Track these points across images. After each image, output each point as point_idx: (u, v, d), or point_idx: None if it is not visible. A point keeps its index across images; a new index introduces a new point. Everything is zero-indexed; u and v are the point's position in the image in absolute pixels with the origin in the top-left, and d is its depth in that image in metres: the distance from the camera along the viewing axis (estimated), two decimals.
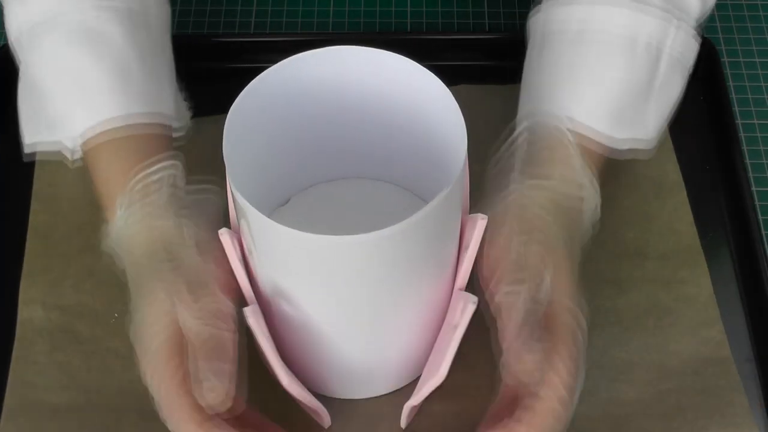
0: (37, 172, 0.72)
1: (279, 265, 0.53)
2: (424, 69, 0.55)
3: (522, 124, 0.63)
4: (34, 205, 0.70)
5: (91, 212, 0.68)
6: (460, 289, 0.57)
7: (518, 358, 0.53)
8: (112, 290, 0.66)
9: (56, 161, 0.65)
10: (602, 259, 0.67)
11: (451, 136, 0.54)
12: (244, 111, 0.54)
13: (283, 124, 0.59)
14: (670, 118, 0.66)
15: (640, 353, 0.64)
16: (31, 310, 0.65)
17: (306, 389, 0.57)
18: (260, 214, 0.50)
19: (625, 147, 0.64)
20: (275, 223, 0.49)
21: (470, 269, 0.56)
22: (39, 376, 0.63)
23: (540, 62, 0.65)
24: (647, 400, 0.62)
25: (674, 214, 0.70)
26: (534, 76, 0.65)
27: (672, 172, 0.72)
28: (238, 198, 0.51)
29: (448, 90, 0.54)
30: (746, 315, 0.67)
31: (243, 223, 0.53)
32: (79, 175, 0.67)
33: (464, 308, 0.55)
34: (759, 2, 0.84)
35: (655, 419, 0.61)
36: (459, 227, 0.56)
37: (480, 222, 0.55)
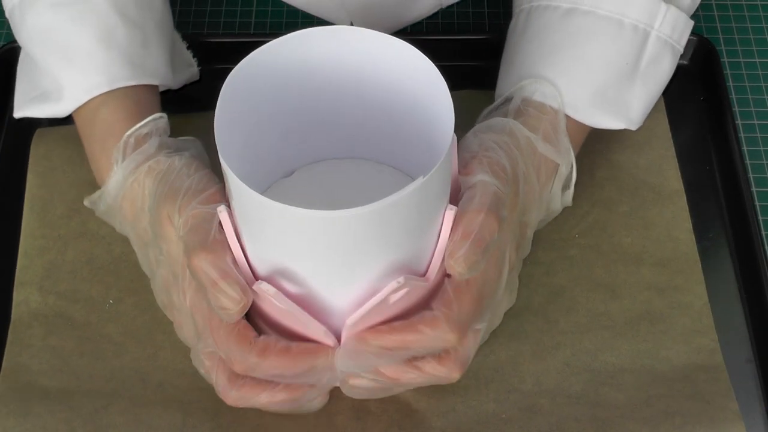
0: (34, 143, 0.73)
1: (265, 240, 0.53)
2: (415, 49, 0.55)
3: (516, 88, 0.65)
4: (30, 179, 0.71)
5: (88, 190, 0.69)
6: (426, 278, 0.57)
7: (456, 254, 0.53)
8: (109, 277, 0.67)
9: (53, 134, 0.70)
10: (597, 264, 0.68)
11: (441, 117, 0.54)
12: (235, 88, 0.55)
13: (273, 104, 0.59)
14: (657, 99, 0.68)
15: (631, 358, 0.64)
16: (27, 292, 0.66)
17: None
18: (247, 187, 0.50)
19: (606, 127, 0.66)
20: (255, 193, 0.50)
21: (439, 261, 0.56)
22: (33, 359, 0.64)
23: (525, 36, 0.67)
24: (636, 404, 0.62)
25: (673, 222, 0.69)
26: (519, 49, 0.67)
27: (673, 179, 0.71)
28: (226, 170, 0.52)
29: (438, 71, 0.54)
30: (746, 314, 0.66)
31: (233, 200, 0.54)
32: (75, 149, 0.70)
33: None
34: (759, 2, 0.84)
35: (642, 423, 0.61)
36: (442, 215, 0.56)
37: (448, 213, 0.55)
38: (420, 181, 0.50)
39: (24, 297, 0.66)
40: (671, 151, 0.72)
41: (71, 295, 0.66)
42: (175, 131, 0.66)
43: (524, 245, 0.63)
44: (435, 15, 0.83)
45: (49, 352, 0.64)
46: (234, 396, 0.56)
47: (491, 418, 0.61)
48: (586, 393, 0.62)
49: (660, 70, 0.67)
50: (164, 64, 0.68)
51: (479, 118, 0.66)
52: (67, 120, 0.74)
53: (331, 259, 0.53)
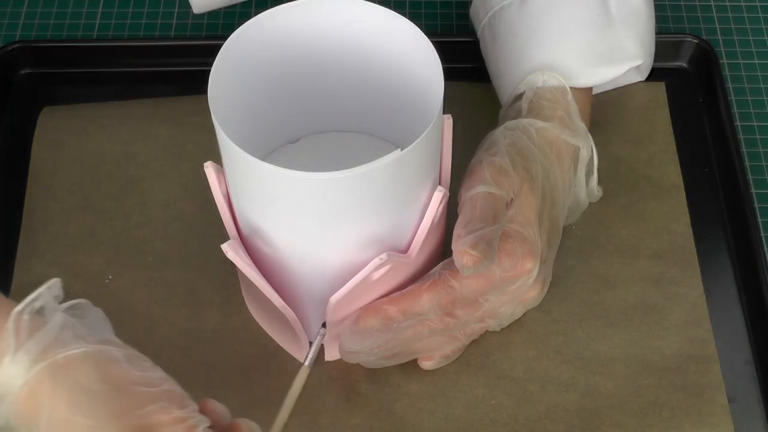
0: (40, 118, 0.73)
1: (256, 201, 0.55)
2: (406, 19, 0.56)
3: (525, 82, 0.66)
4: (35, 151, 0.72)
5: (92, 164, 0.71)
6: (408, 254, 0.58)
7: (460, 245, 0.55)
8: (109, 252, 0.68)
9: (59, 111, 0.72)
10: (593, 255, 0.68)
11: (432, 97, 0.55)
12: (228, 60, 0.56)
13: (266, 76, 0.60)
14: (651, 34, 0.70)
15: (623, 347, 0.64)
16: (29, 264, 0.67)
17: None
18: (238, 149, 0.51)
19: (611, 77, 0.68)
20: (237, 147, 0.51)
21: (422, 239, 0.57)
22: None
23: (497, 42, 0.69)
24: (625, 394, 0.62)
25: (671, 215, 0.69)
26: (501, 54, 0.69)
27: (673, 173, 0.71)
28: (214, 121, 0.53)
29: (429, 42, 0.55)
30: (745, 316, 0.66)
31: (225, 161, 0.55)
32: (82, 123, 0.72)
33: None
34: (758, 3, 0.83)
35: (630, 414, 0.61)
36: (431, 184, 0.57)
37: (436, 194, 0.56)
38: (395, 154, 0.51)
39: (25, 268, 0.67)
40: (672, 146, 0.73)
41: (71, 269, 0.67)
42: (179, 117, 0.67)
43: (556, 236, 0.64)
44: (434, 16, 0.83)
45: None
46: None
47: (480, 403, 0.62)
48: (576, 381, 0.62)
49: (633, 6, 0.68)
50: None
51: (500, 113, 0.68)
52: (74, 99, 0.75)
53: (306, 222, 0.54)
